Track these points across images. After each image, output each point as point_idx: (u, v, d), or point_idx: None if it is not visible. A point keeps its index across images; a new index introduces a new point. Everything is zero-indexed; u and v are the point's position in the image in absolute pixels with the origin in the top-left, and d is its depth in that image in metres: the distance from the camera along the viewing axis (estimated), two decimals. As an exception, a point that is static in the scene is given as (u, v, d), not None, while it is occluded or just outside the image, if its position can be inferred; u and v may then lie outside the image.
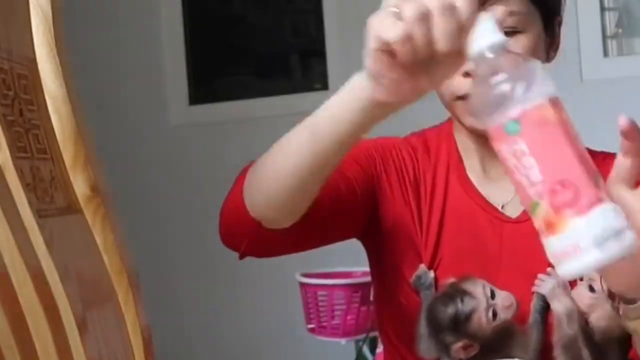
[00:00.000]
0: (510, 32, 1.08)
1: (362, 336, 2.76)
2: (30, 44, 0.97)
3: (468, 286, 1.08)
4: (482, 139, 1.19)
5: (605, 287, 1.05)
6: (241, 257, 1.11)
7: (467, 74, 1.09)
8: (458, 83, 1.11)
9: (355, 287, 2.63)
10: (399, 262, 1.19)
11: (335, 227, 1.16)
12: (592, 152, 1.22)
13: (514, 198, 1.19)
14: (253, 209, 1.03)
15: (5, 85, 0.90)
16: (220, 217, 1.10)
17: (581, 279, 1.08)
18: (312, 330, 2.77)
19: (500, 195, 1.20)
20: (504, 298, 1.08)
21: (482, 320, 1.05)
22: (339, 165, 1.02)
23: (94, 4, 3.63)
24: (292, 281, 2.76)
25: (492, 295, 1.07)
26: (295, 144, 0.96)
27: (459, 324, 1.05)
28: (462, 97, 1.12)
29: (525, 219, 1.15)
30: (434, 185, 1.20)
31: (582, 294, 1.07)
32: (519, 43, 1.09)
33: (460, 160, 1.22)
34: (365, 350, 2.79)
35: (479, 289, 1.07)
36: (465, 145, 1.22)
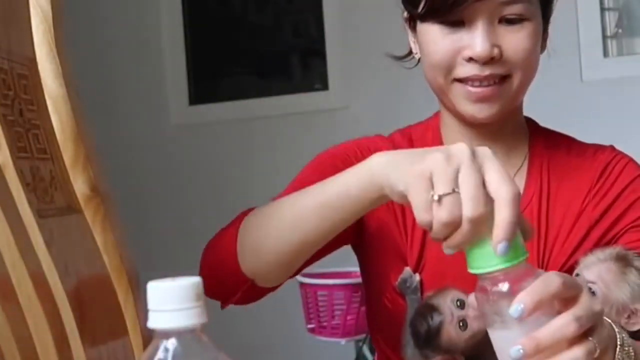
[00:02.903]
0: (517, 20, 1.08)
1: (362, 336, 2.76)
2: (30, 44, 0.97)
3: (437, 300, 1.05)
4: (473, 130, 1.17)
5: (606, 291, 1.04)
6: (225, 306, 1.12)
7: (470, 59, 1.08)
8: (460, 67, 1.10)
9: (355, 287, 2.63)
10: (384, 265, 1.18)
11: (323, 252, 1.17)
12: (584, 145, 1.23)
13: None
14: (248, 269, 1.03)
15: (5, 85, 0.90)
16: (206, 268, 1.08)
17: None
18: (312, 330, 2.77)
19: None
20: (475, 307, 1.03)
21: (451, 334, 1.02)
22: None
23: (94, 4, 3.63)
24: (291, 281, 2.76)
25: (462, 306, 1.04)
26: (303, 215, 0.95)
27: (432, 340, 1.04)
28: (461, 80, 1.10)
29: None
30: None
31: None
32: (526, 30, 1.09)
33: None
34: (365, 350, 2.79)
35: (446, 302, 1.04)
36: (454, 140, 1.18)
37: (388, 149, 1.21)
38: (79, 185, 0.99)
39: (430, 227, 0.78)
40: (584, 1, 3.07)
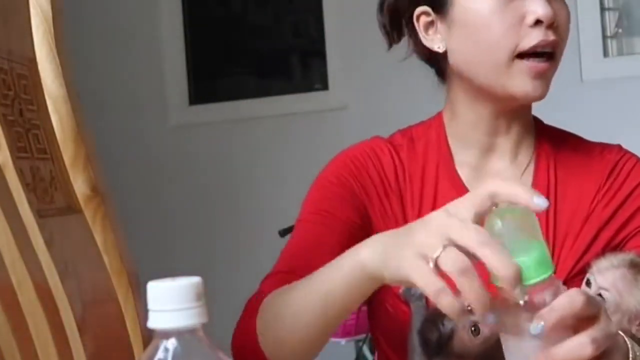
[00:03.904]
0: None
1: (362, 336, 2.76)
2: (30, 44, 0.97)
3: None
4: (492, 122, 1.16)
5: (618, 299, 1.03)
6: None
7: (538, 21, 1.08)
8: (526, 35, 1.09)
9: (355, 287, 2.62)
10: None
11: None
12: (590, 144, 1.22)
13: None
14: (273, 358, 1.04)
15: (5, 85, 0.90)
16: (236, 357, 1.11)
17: (589, 285, 1.06)
18: (312, 330, 2.77)
19: None
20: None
21: (463, 339, 1.00)
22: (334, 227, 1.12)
23: (94, 4, 3.63)
24: (292, 281, 2.76)
25: (472, 311, 1.04)
26: (310, 308, 0.97)
27: (444, 347, 1.03)
28: (525, 54, 1.10)
29: None
30: (422, 185, 1.17)
31: None
32: (566, 6, 1.12)
33: (450, 156, 1.19)
34: (365, 350, 2.79)
35: None
36: (466, 135, 1.19)
37: (388, 152, 1.19)
38: (79, 185, 0.99)
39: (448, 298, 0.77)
40: (584, 1, 3.07)
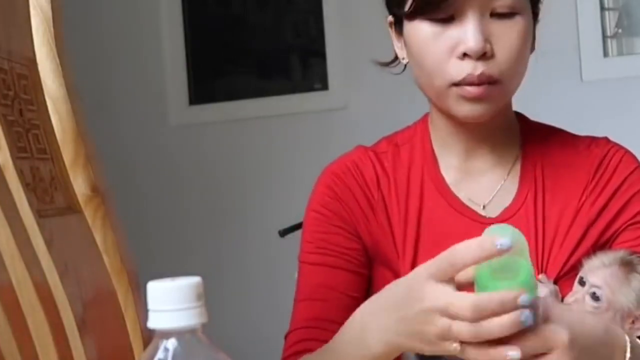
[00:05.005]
0: (508, 14, 1.06)
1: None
2: (30, 44, 0.97)
3: None
4: (466, 131, 1.15)
5: (611, 297, 1.03)
6: None
7: (464, 55, 1.05)
8: (455, 67, 1.06)
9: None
10: (380, 285, 1.17)
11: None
12: (577, 139, 1.21)
13: (496, 195, 1.16)
14: None
15: (5, 85, 0.90)
16: None
17: (582, 284, 1.06)
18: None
19: (481, 194, 1.16)
20: None
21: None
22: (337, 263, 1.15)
23: (93, 4, 3.63)
24: (291, 281, 2.75)
25: None
26: None
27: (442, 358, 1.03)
28: (458, 84, 1.07)
29: (506, 217, 1.13)
30: (408, 189, 1.17)
31: (584, 303, 1.05)
32: (517, 25, 1.07)
33: (434, 161, 1.18)
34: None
35: None
36: (445, 141, 1.18)
37: (370, 163, 1.18)
38: (79, 185, 0.99)
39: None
40: (584, 1, 3.07)
